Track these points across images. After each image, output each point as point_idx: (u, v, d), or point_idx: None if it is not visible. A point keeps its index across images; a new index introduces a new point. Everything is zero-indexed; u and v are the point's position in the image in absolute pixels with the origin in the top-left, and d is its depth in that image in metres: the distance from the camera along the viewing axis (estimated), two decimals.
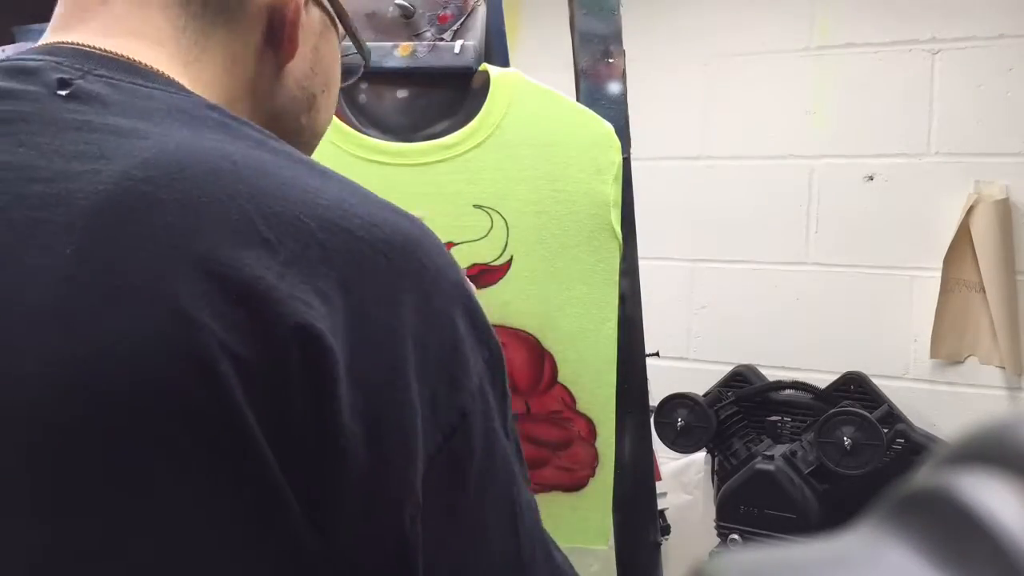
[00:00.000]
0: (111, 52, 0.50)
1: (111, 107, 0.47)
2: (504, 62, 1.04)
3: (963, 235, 2.10)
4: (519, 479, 0.52)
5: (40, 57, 0.49)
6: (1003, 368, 2.08)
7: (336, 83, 0.63)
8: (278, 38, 0.56)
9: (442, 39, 1.00)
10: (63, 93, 0.47)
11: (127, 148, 0.45)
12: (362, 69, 0.70)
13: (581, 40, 1.02)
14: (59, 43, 0.51)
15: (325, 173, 0.48)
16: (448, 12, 1.00)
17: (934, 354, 2.15)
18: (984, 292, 2.08)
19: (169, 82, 0.50)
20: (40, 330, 0.41)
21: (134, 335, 0.40)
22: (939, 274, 2.12)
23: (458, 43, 0.99)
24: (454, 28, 1.00)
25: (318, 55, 0.59)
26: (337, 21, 0.61)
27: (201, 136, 0.46)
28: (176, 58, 0.52)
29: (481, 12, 1.00)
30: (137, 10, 0.52)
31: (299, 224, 0.44)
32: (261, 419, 0.41)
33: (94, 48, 0.50)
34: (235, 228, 0.43)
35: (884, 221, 2.20)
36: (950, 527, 0.20)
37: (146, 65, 0.50)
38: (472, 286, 0.52)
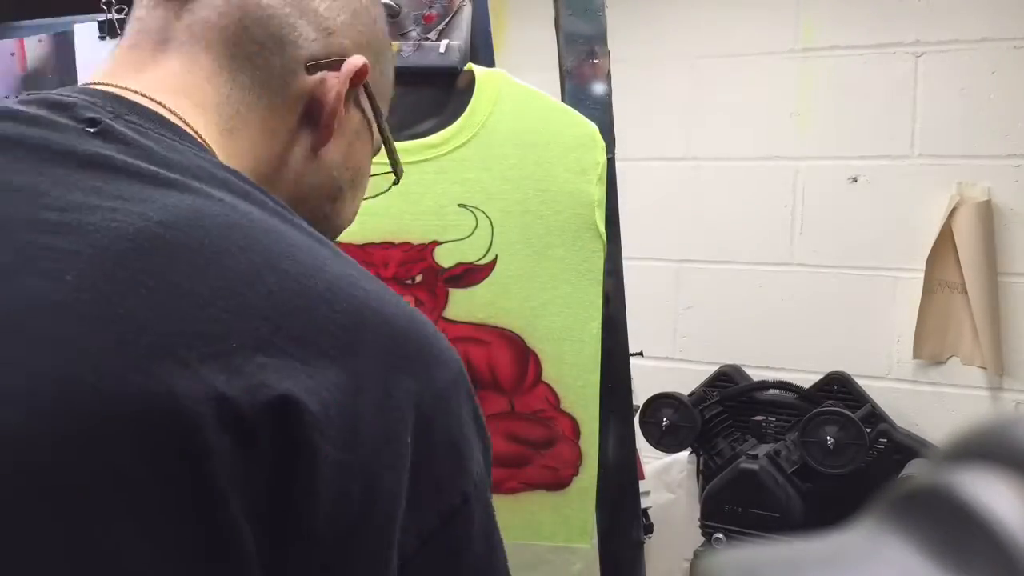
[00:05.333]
0: (149, 103, 0.52)
1: (135, 151, 0.47)
2: (489, 62, 1.05)
3: (946, 236, 2.11)
4: (501, 555, 0.51)
5: (76, 95, 0.50)
6: (984, 369, 2.10)
7: (364, 184, 0.65)
8: (316, 121, 0.57)
9: (427, 38, 1.00)
10: (91, 130, 0.48)
11: (147, 193, 0.45)
12: (393, 183, 0.71)
13: (566, 41, 1.03)
14: (99, 87, 0.53)
15: (335, 249, 0.49)
16: (434, 12, 1.00)
17: (917, 354, 2.16)
18: (966, 293, 2.10)
19: (197, 142, 0.51)
20: (29, 350, 0.41)
21: (117, 369, 0.40)
22: (922, 275, 2.14)
23: (443, 43, 0.99)
24: (439, 28, 1.00)
25: (351, 150, 0.61)
26: (375, 127, 0.63)
27: (219, 193, 0.47)
28: (214, 124, 0.54)
29: (467, 12, 1.00)
30: (187, 72, 0.54)
31: (307, 283, 0.44)
32: (233, 476, 0.40)
33: (132, 95, 0.52)
34: (242, 279, 0.43)
35: (868, 222, 2.22)
36: (950, 524, 0.20)
37: (181, 121, 0.52)
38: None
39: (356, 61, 0.57)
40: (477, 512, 0.48)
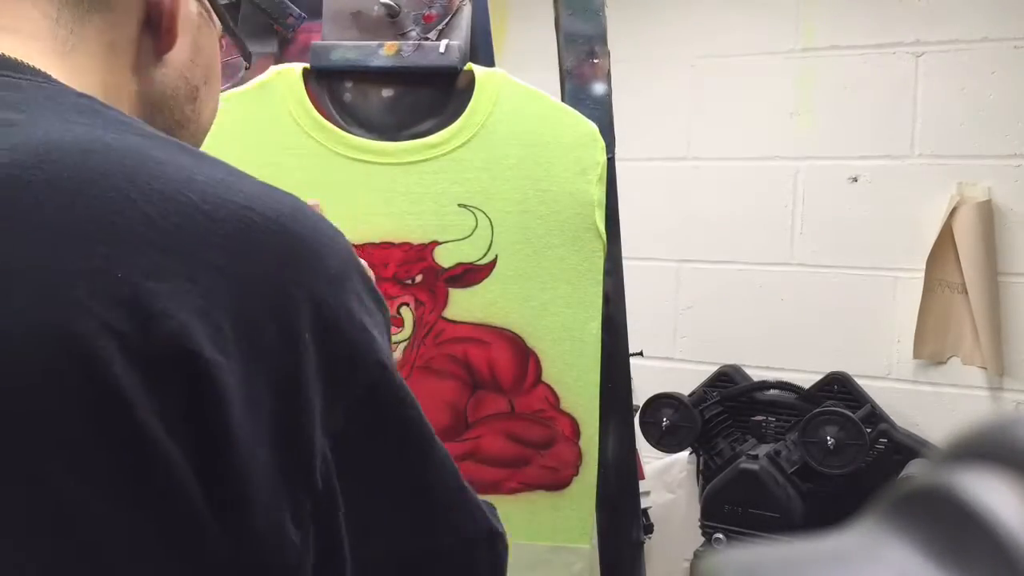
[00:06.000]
0: None
1: None
2: (489, 62, 1.05)
3: (946, 236, 2.11)
4: (425, 420, 0.52)
5: None
6: (985, 369, 2.10)
7: (217, 77, 0.63)
8: (156, 27, 0.55)
9: (427, 38, 1.00)
10: None
11: None
12: (244, 69, 0.70)
13: (566, 40, 1.03)
14: None
15: (199, 154, 0.47)
16: (433, 11, 1.00)
17: (917, 354, 2.16)
18: (967, 293, 2.10)
19: (38, 74, 0.49)
20: None
21: (9, 322, 0.39)
22: (922, 275, 2.14)
23: (443, 42, 0.99)
24: (439, 27, 1.00)
25: (197, 47, 0.59)
26: (214, 17, 0.61)
27: (70, 122, 0.45)
28: (52, 50, 0.51)
29: (466, 12, 1.00)
30: (8, 4, 0.51)
31: (180, 198, 0.42)
32: (149, 403, 0.40)
33: None
34: (111, 208, 0.41)
35: (868, 222, 2.22)
36: (950, 524, 0.20)
37: (16, 59, 0.49)
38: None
39: None
40: (396, 378, 0.49)
